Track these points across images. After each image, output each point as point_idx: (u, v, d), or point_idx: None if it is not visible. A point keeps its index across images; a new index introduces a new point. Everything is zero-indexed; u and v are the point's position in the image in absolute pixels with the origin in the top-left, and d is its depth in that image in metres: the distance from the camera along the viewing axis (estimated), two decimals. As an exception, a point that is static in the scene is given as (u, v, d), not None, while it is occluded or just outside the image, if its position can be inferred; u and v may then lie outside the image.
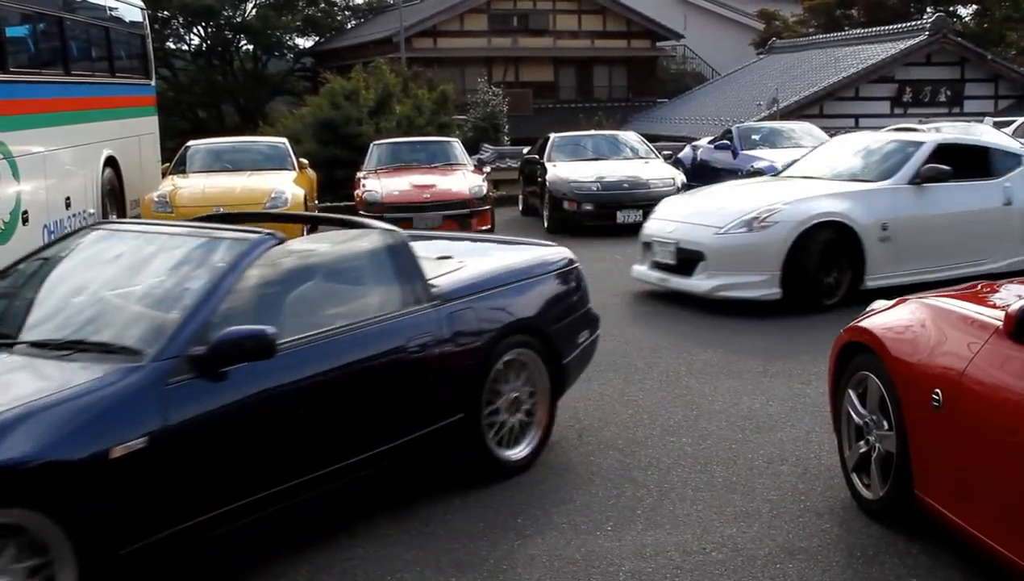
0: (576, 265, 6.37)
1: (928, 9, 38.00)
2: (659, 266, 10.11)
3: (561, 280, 6.18)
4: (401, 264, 5.27)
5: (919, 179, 9.87)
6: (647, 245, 10.35)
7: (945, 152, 10.24)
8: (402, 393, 5.02)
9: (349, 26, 48.28)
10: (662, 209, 10.80)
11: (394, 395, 4.99)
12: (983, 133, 17.17)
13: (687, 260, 9.69)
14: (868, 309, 5.25)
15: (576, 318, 6.19)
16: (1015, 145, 11.27)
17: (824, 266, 9.35)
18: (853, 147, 11.41)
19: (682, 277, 9.73)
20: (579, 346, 6.15)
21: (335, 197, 20.23)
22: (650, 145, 18.53)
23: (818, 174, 10.81)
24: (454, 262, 5.82)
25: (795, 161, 11.98)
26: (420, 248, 5.67)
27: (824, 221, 9.35)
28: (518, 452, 5.63)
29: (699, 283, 9.51)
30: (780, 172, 11.91)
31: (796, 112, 27.04)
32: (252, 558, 4.59)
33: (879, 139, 11.30)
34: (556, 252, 6.38)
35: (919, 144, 10.40)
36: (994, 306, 4.39)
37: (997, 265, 9.93)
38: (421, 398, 5.13)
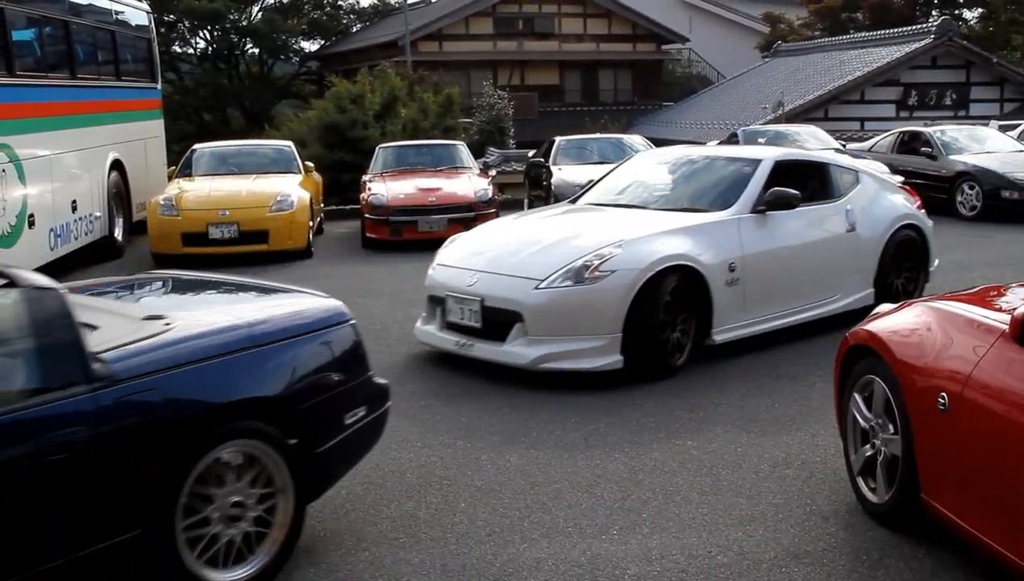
0: (350, 322, 4.96)
1: (933, 12, 38.05)
2: (457, 328, 7.86)
3: (323, 342, 4.79)
4: (46, 332, 3.78)
5: (763, 206, 8.31)
6: (437, 300, 8.12)
7: (782, 171, 8.73)
8: (37, 509, 3.66)
9: (354, 30, 48.34)
10: (451, 252, 8.49)
11: (22, 514, 3.63)
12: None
13: (497, 322, 7.52)
14: (873, 312, 5.24)
15: (344, 392, 4.80)
16: (849, 160, 10.02)
17: (670, 321, 7.52)
18: (669, 166, 9.65)
19: (492, 343, 7.52)
20: (348, 428, 4.81)
21: (341, 200, 20.26)
22: (655, 149, 18.51)
23: (636, 201, 9.04)
24: (160, 323, 4.27)
25: (595, 182, 10.01)
26: (126, 304, 4.76)
27: (670, 266, 7.44)
28: (242, 573, 4.28)
29: (517, 352, 7.34)
30: (579, 196, 9.75)
31: (801, 115, 27.03)
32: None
33: (699, 156, 9.64)
34: (322, 306, 4.97)
35: (755, 162, 8.76)
36: (1000, 309, 4.38)
37: (846, 302, 8.84)
38: (71, 513, 3.74)
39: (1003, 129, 19.56)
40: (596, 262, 7.35)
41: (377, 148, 17.81)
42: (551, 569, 4.50)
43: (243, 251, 13.30)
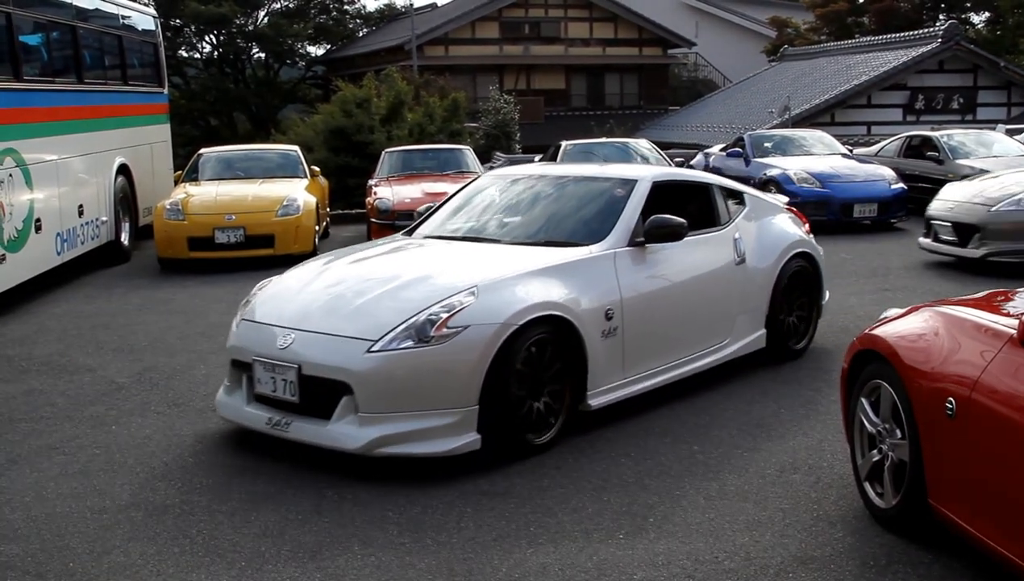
0: None
1: (940, 16, 38.00)
2: (269, 402, 6.13)
3: None
4: None
5: (643, 238, 6.85)
6: (242, 366, 6.40)
7: (661, 194, 7.37)
8: None
9: (361, 34, 48.43)
10: (259, 303, 6.68)
11: None
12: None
13: (320, 394, 5.86)
14: (881, 316, 5.23)
15: None
16: (735, 183, 8.61)
17: (535, 385, 6.01)
18: (526, 188, 7.84)
19: (313, 422, 5.87)
20: None
21: (347, 205, 20.28)
22: (662, 153, 18.55)
23: (487, 233, 7.37)
24: None
25: (434, 208, 8.24)
26: None
27: (537, 317, 5.93)
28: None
29: (345, 433, 5.70)
30: (416, 226, 7.99)
31: (808, 120, 27.01)
32: (264, 565, 4.58)
33: (562, 176, 7.96)
34: None
35: (630, 184, 7.27)
36: (1008, 314, 4.37)
37: (736, 347, 7.61)
38: None
39: (1010, 133, 19.51)
40: (444, 315, 5.77)
41: (383, 152, 17.84)
42: (557, 574, 4.49)
43: (249, 255, 13.30)
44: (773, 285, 7.90)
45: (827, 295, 8.66)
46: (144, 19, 17.34)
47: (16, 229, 10.81)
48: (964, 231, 11.86)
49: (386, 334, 5.76)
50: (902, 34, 31.30)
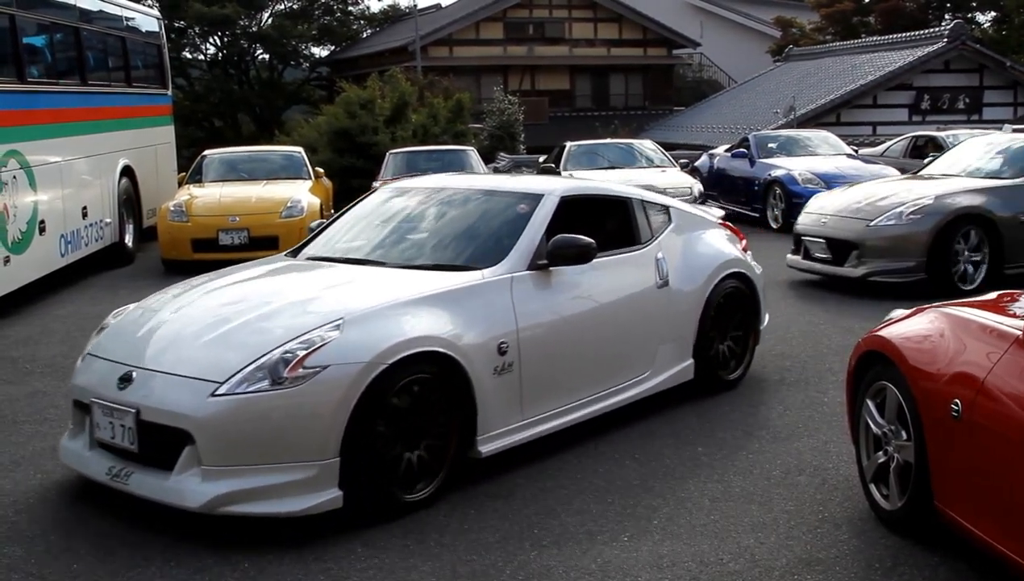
0: None
1: (946, 16, 37.95)
2: (110, 448, 5.36)
3: None
4: None
5: (546, 260, 6.09)
6: (83, 407, 5.57)
7: (572, 210, 6.61)
8: None
9: (365, 35, 48.41)
10: (108, 335, 5.91)
11: None
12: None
13: (161, 443, 5.07)
14: (887, 317, 5.21)
15: None
16: (659, 196, 7.86)
17: (411, 433, 5.22)
18: (421, 203, 7.04)
19: (154, 474, 5.09)
20: None
21: (351, 206, 20.25)
22: (666, 153, 18.55)
23: (374, 254, 6.54)
24: None
25: (326, 225, 7.42)
26: None
27: (413, 354, 5.16)
28: None
29: (186, 489, 4.90)
30: (304, 245, 7.19)
31: (813, 120, 26.97)
32: (267, 567, 4.57)
33: (462, 189, 7.14)
34: None
35: (535, 198, 6.49)
36: (1014, 315, 4.35)
37: (659, 380, 6.83)
38: None
39: (1017, 132, 19.46)
40: (301, 353, 4.99)
41: (387, 154, 17.87)
42: (561, 576, 4.48)
43: (253, 257, 13.28)
44: (702, 310, 7.10)
45: (767, 319, 7.90)
46: (148, 20, 17.36)
47: (20, 231, 10.82)
48: (840, 248, 10.92)
49: (234, 375, 4.96)
50: (908, 34, 31.25)
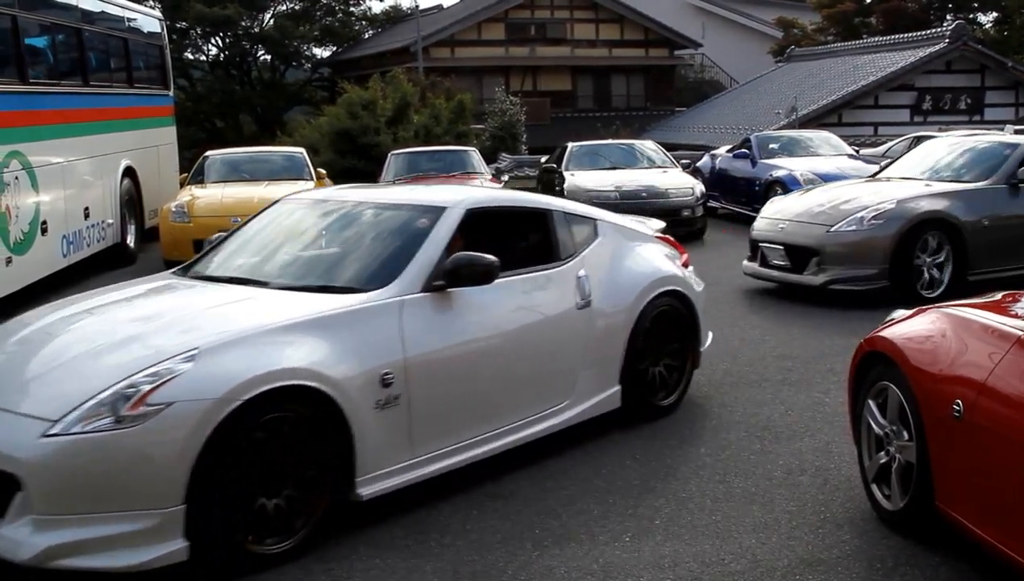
0: None
1: (948, 17, 37.94)
2: None
3: None
4: None
5: (442, 281, 5.52)
6: None
7: (480, 224, 6.05)
8: None
9: (367, 36, 48.39)
10: None
11: None
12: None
13: None
14: (888, 318, 5.22)
15: None
16: (585, 207, 7.11)
17: (274, 477, 4.67)
18: (317, 217, 6.53)
19: None
20: None
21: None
22: (668, 154, 18.55)
23: (258, 272, 5.99)
24: None
25: (222, 238, 6.76)
26: None
27: (275, 388, 4.61)
28: None
29: (13, 539, 4.35)
30: (196, 260, 6.53)
31: (815, 120, 26.96)
32: (269, 567, 4.57)
33: (357, 202, 6.50)
34: None
35: (436, 212, 5.90)
36: (1016, 316, 4.35)
37: (578, 411, 6.22)
38: None
39: (1018, 133, 19.45)
40: (146, 387, 4.43)
41: (389, 154, 17.88)
42: (563, 576, 4.48)
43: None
44: (631, 331, 6.46)
45: (708, 339, 7.31)
46: (149, 21, 17.37)
47: (22, 232, 10.83)
48: (799, 254, 10.46)
49: (70, 412, 4.40)
50: (909, 34, 31.23)
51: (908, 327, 4.87)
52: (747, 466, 5.79)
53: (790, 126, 24.85)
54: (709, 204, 16.98)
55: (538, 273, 6.16)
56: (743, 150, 18.67)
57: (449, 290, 5.51)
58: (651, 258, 6.90)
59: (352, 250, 5.99)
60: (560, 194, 16.22)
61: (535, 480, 5.64)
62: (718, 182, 19.01)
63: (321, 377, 4.77)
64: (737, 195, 18.24)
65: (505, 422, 5.76)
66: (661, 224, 7.89)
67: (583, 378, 6.22)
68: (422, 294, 5.43)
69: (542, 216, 6.45)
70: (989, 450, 4.04)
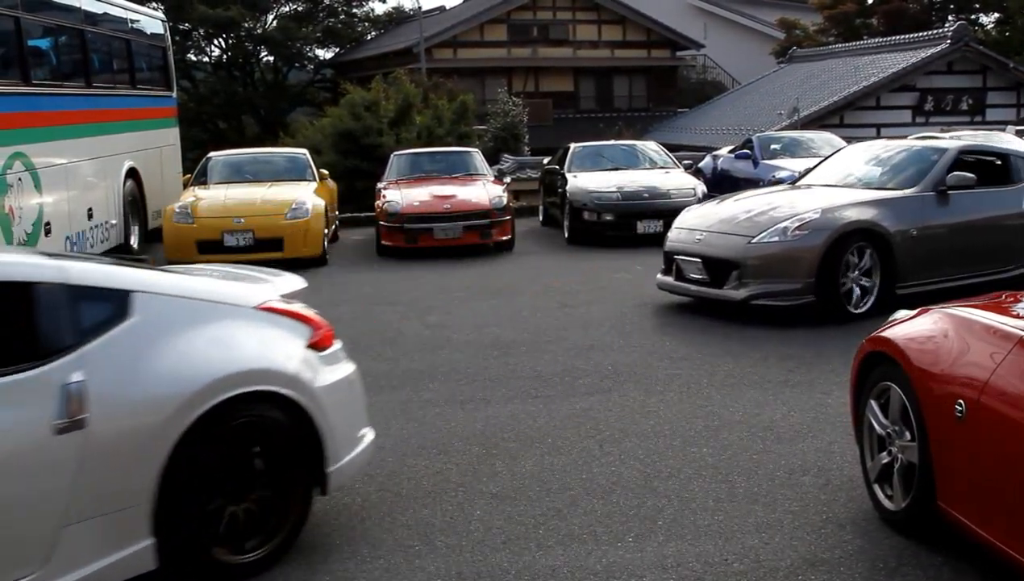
0: None
1: (949, 17, 37.92)
2: None
3: None
4: None
5: None
6: None
7: None
8: None
9: (369, 37, 48.41)
10: None
11: None
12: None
13: None
14: (890, 319, 5.23)
15: None
16: (125, 272, 4.77)
17: None
18: None
19: None
20: None
21: (356, 208, 20.29)
22: (670, 155, 18.55)
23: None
24: None
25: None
26: None
27: None
28: None
29: None
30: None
31: (817, 121, 26.96)
32: (271, 568, 4.59)
33: None
34: None
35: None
36: (1018, 316, 4.36)
37: None
38: None
39: (1020, 134, 19.46)
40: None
41: (392, 155, 17.85)
42: (566, 576, 4.49)
43: (258, 258, 13.30)
44: (168, 456, 4.30)
45: (348, 458, 4.97)
46: (152, 23, 17.39)
47: (26, 232, 10.85)
48: (718, 268, 9.77)
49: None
50: (911, 35, 31.23)
51: (910, 327, 4.88)
52: (750, 466, 5.80)
53: (792, 127, 24.84)
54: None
55: None
56: (745, 151, 18.66)
57: None
58: (230, 344, 4.67)
59: None
60: (562, 196, 16.19)
61: (538, 480, 5.65)
62: (720, 183, 18.97)
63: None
64: (739, 196, 18.21)
65: None
66: (295, 286, 5.61)
67: (72, 535, 4.12)
68: None
69: (14, 289, 4.23)
70: (991, 450, 4.05)
